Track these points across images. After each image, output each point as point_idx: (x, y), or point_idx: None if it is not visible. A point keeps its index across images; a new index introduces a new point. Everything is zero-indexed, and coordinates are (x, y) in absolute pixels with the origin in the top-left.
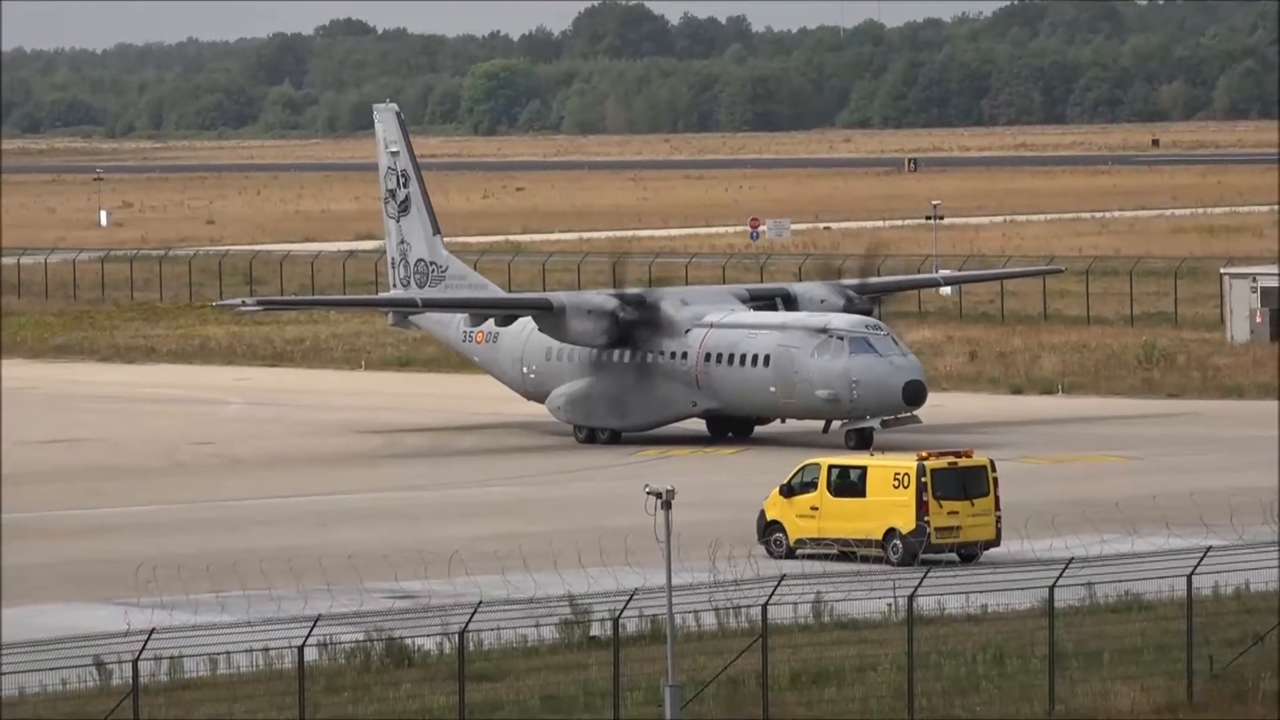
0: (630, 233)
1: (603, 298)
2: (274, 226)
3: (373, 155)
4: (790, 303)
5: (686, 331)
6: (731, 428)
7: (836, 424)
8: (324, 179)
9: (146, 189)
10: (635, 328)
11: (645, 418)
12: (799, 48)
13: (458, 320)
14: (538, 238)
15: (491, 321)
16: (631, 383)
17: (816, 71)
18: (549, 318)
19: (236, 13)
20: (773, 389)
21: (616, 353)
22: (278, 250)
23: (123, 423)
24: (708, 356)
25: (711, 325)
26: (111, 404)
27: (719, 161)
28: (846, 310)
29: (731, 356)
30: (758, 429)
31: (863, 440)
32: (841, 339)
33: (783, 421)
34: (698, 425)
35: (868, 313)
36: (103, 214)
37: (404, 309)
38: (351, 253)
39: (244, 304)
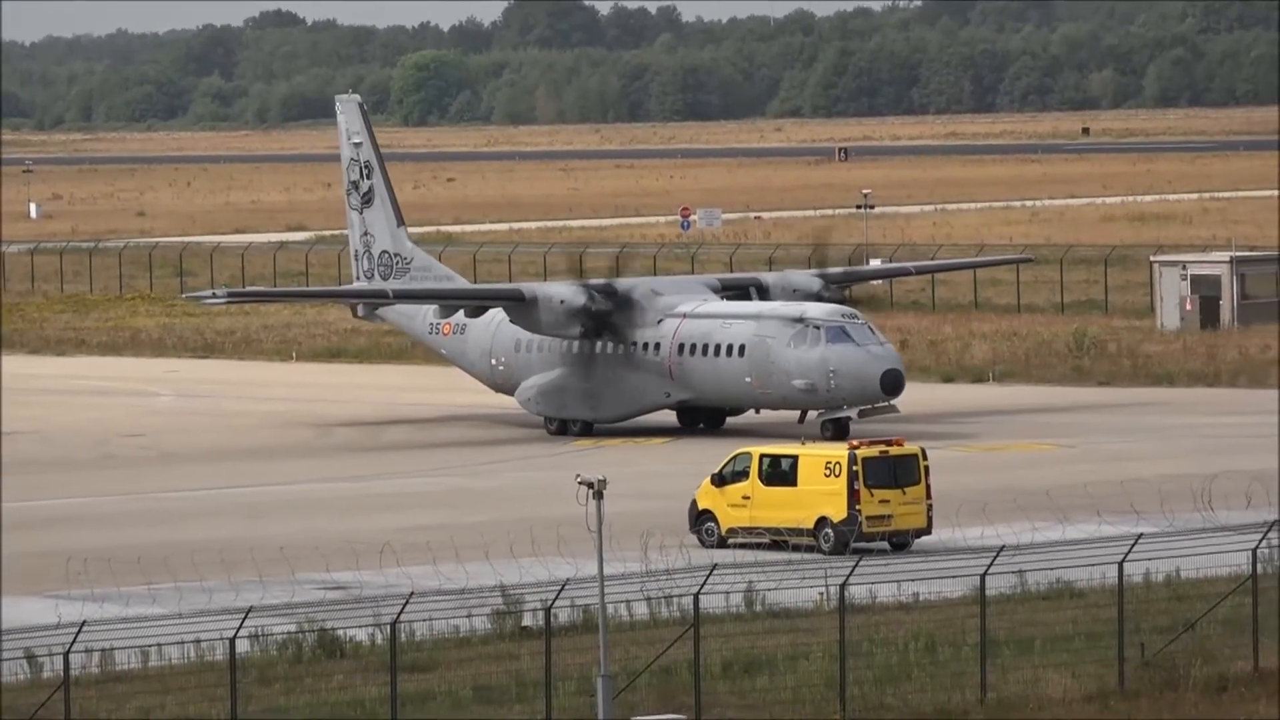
0: (561, 223)
1: (574, 288)
2: (204, 218)
3: (302, 146)
4: (763, 293)
5: (659, 322)
6: (702, 418)
7: (813, 414)
8: (254, 170)
9: (76, 181)
10: (607, 318)
11: (618, 409)
12: (729, 37)
13: (424, 312)
14: (469, 228)
15: (461, 313)
16: (604, 374)
17: (747, 61)
18: (520, 309)
19: (165, 5)
20: (748, 379)
21: (588, 343)
22: (208, 242)
23: (53, 415)
24: (681, 347)
25: (684, 315)
26: (41, 396)
27: (649, 151)
28: (818, 300)
29: (705, 347)
30: (730, 419)
31: (840, 430)
32: (818, 328)
33: (757, 412)
34: (669, 416)
35: (840, 302)
36: (32, 206)
37: (375, 300)
38: (282, 244)
39: (214, 295)
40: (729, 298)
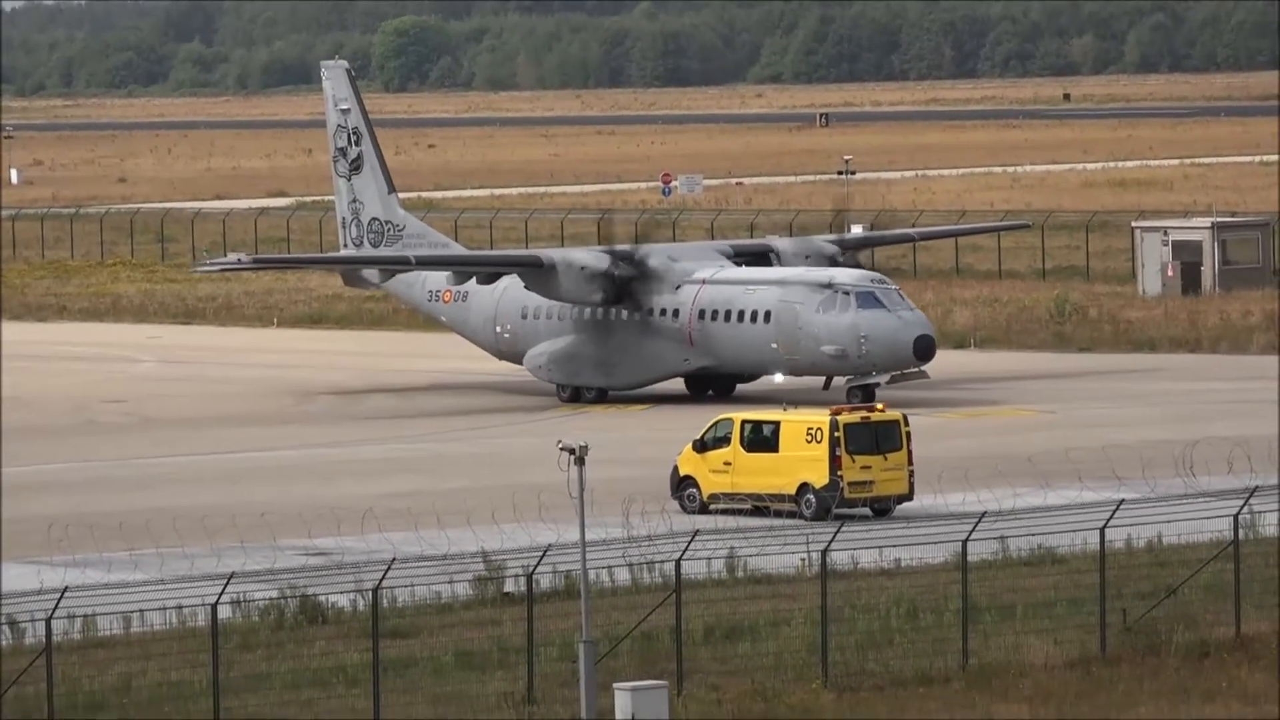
0: (542, 189)
1: (595, 255)
2: (185, 184)
3: (283, 112)
4: (777, 258)
5: (677, 288)
6: (713, 385)
7: (838, 380)
8: (235, 136)
9: (57, 147)
10: (628, 284)
11: (634, 376)
12: (710, 3)
13: (423, 279)
14: (449, 194)
15: (473, 280)
16: (620, 340)
17: (728, 27)
18: (538, 275)
19: None
20: (774, 345)
21: (603, 310)
22: (189, 208)
23: (34, 381)
24: (701, 313)
25: (704, 281)
26: (23, 362)
27: (630, 117)
28: (833, 265)
29: (728, 313)
30: (741, 386)
31: (867, 396)
32: (848, 294)
33: (779, 379)
34: (679, 383)
35: (858, 267)
36: (13, 172)
37: (396, 267)
38: (263, 210)
39: (240, 262)
40: (741, 264)
